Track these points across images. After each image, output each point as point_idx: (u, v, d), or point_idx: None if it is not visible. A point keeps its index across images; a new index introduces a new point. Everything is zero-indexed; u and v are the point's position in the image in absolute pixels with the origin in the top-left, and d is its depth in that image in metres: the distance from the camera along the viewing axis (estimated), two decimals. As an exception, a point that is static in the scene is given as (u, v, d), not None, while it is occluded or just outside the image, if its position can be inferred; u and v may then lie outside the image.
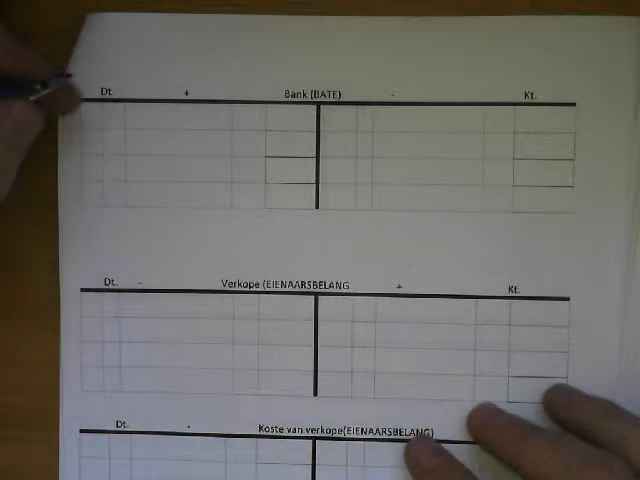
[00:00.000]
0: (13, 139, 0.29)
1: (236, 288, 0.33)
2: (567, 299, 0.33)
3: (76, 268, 0.34)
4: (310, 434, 0.34)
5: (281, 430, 0.34)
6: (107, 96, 0.33)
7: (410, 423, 0.33)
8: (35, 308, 0.34)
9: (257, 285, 0.33)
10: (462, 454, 0.32)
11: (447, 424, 0.33)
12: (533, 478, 0.28)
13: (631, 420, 0.30)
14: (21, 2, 0.33)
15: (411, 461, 0.33)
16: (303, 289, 0.33)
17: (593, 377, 0.33)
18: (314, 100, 0.33)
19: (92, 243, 0.33)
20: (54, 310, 0.34)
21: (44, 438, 0.34)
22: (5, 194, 0.29)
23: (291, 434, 0.34)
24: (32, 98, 0.29)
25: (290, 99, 0.33)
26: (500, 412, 0.32)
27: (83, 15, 0.33)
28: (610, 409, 0.30)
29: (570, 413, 0.31)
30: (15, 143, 0.29)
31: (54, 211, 0.33)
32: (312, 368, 0.33)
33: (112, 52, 0.33)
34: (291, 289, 0.33)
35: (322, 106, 0.33)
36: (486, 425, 0.32)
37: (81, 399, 0.34)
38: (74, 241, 0.33)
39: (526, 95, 0.32)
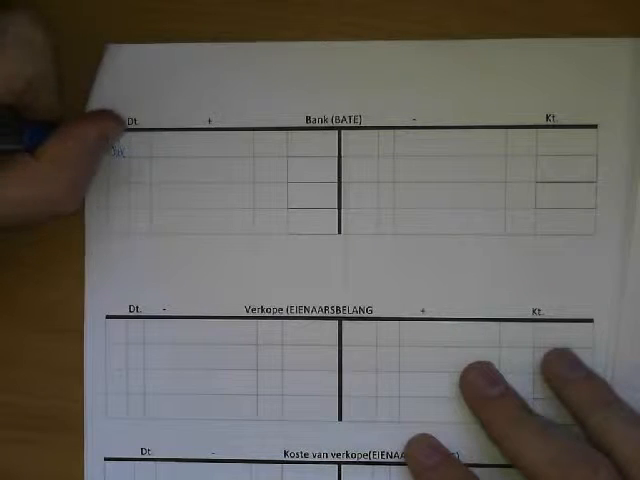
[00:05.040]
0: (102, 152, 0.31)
1: (259, 314, 0.33)
2: (591, 321, 0.33)
3: (101, 295, 0.34)
4: (335, 459, 0.33)
5: (306, 455, 0.34)
6: (133, 125, 0.33)
7: (436, 447, 0.33)
8: (60, 335, 0.34)
9: (280, 310, 0.33)
10: (491, 478, 0.32)
11: (474, 448, 0.33)
12: (515, 465, 0.29)
13: (620, 412, 0.30)
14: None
15: (411, 459, 0.33)
16: (326, 314, 0.33)
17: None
18: (335, 125, 0.33)
19: (117, 270, 0.34)
20: (79, 336, 0.34)
21: (69, 467, 0.34)
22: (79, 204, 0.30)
23: (316, 459, 0.34)
24: None
25: (311, 125, 0.33)
26: (496, 381, 0.32)
27: (102, 46, 0.33)
28: (601, 396, 0.31)
29: (563, 394, 0.31)
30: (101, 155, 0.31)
31: (80, 238, 0.34)
32: (336, 393, 0.33)
33: (135, 82, 0.33)
34: (314, 314, 0.33)
35: (343, 131, 0.33)
36: (480, 396, 0.32)
37: (105, 426, 0.34)
38: (100, 268, 0.34)
39: (547, 118, 0.33)
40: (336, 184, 0.33)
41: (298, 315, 0.33)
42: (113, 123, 0.30)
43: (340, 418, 0.33)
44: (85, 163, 0.29)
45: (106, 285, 0.34)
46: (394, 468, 0.33)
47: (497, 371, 0.33)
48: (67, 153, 0.28)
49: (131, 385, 0.34)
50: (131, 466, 0.34)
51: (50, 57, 0.27)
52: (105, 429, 0.34)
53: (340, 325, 0.33)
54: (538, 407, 0.32)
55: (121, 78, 0.33)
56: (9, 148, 0.28)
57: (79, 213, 0.33)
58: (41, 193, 0.28)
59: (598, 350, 0.33)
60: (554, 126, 0.33)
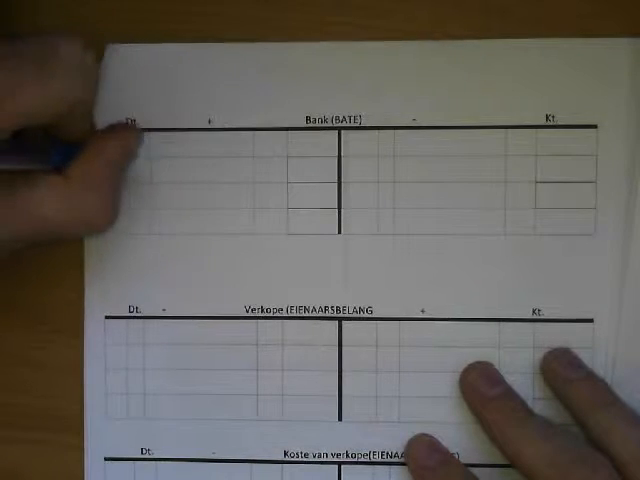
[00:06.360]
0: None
1: (259, 314, 0.33)
2: (591, 321, 0.33)
3: (101, 296, 0.34)
4: (335, 459, 0.33)
5: (306, 455, 0.34)
6: (132, 126, 0.33)
7: (436, 447, 0.33)
8: (59, 335, 0.34)
9: (280, 311, 0.33)
10: (491, 478, 0.32)
11: (473, 448, 0.33)
12: (514, 465, 0.29)
13: (620, 412, 0.30)
14: (37, 30, 0.33)
15: (411, 459, 0.33)
16: (326, 314, 0.33)
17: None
18: (335, 125, 0.33)
19: (117, 271, 0.34)
20: (78, 337, 0.34)
21: (69, 467, 0.34)
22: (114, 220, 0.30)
23: (316, 459, 0.34)
24: None
25: (311, 125, 0.33)
26: (497, 381, 0.32)
27: (103, 45, 0.33)
28: (601, 396, 0.31)
29: (563, 394, 0.31)
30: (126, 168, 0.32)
31: (80, 238, 0.34)
32: (336, 393, 0.33)
33: (134, 82, 0.33)
34: (314, 314, 0.33)
35: (343, 131, 0.33)
36: (480, 396, 0.32)
37: (105, 426, 0.34)
38: (99, 268, 0.34)
39: (547, 118, 0.32)
40: (336, 184, 0.33)
41: (298, 315, 0.33)
42: (134, 135, 0.31)
43: (340, 418, 0.33)
44: (113, 179, 0.30)
45: (106, 285, 0.34)
46: (394, 468, 0.33)
47: (497, 371, 0.33)
48: (95, 172, 0.29)
49: (131, 385, 0.34)
50: (131, 466, 0.34)
51: (95, 84, 0.28)
52: (105, 429, 0.34)
53: (340, 325, 0.33)
54: (538, 407, 0.32)
55: (121, 78, 0.33)
56: (37, 167, 0.28)
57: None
58: (76, 214, 0.28)
59: (598, 350, 0.33)
60: (554, 126, 0.33)
